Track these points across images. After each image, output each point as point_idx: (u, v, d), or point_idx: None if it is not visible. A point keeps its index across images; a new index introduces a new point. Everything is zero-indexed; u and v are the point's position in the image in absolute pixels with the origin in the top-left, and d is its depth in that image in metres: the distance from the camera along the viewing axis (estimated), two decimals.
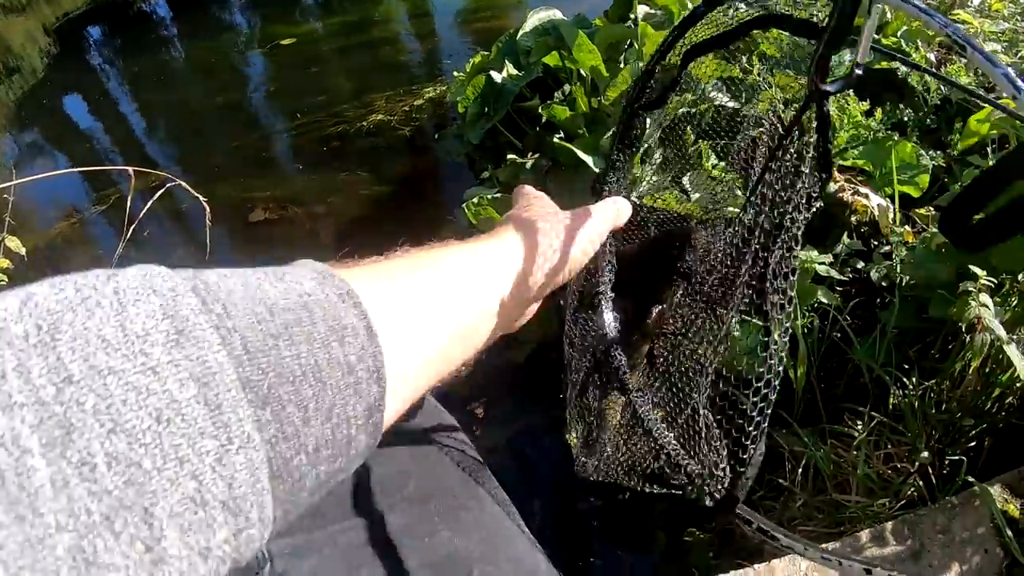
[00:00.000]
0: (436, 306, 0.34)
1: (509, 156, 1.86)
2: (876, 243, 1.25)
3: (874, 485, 0.98)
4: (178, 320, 0.22)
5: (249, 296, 0.25)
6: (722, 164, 0.62)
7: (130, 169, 1.47)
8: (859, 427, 1.03)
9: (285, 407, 0.23)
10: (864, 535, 0.97)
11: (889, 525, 0.96)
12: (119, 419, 0.19)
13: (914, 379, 1.05)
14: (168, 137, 3.31)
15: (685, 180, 0.65)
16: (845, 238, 1.25)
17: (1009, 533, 0.87)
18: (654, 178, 0.66)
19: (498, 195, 1.56)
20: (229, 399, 0.21)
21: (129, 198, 1.75)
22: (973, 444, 1.00)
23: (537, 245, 0.43)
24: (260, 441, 0.22)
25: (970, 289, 1.03)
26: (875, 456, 1.00)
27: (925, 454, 0.99)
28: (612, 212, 0.50)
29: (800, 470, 0.98)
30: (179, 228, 2.38)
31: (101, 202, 2.57)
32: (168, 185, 1.53)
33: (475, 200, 1.54)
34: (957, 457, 0.97)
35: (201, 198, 1.53)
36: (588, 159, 1.59)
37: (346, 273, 0.30)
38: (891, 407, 1.04)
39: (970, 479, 0.93)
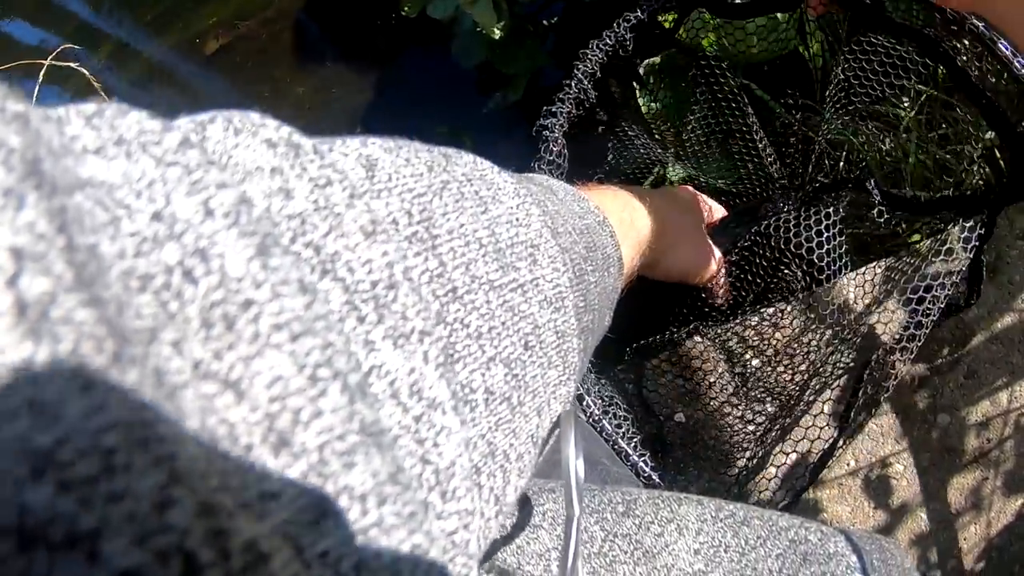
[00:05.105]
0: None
1: None
2: None
3: (931, 174, 0.71)
4: (532, 233, 0.19)
5: (568, 213, 0.24)
6: None
7: None
8: (905, 105, 0.74)
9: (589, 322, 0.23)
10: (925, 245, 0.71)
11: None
12: (499, 346, 0.15)
13: (966, 42, 0.77)
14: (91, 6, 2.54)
15: None
16: None
17: None
18: None
19: None
20: (570, 327, 0.20)
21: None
22: None
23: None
24: (579, 348, 0.21)
25: None
26: (928, 139, 0.73)
27: (990, 134, 0.73)
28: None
29: (842, 163, 0.69)
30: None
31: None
32: (49, 61, 1.25)
33: None
34: None
35: (87, 72, 1.30)
36: None
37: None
38: (940, 78, 0.75)
39: None
